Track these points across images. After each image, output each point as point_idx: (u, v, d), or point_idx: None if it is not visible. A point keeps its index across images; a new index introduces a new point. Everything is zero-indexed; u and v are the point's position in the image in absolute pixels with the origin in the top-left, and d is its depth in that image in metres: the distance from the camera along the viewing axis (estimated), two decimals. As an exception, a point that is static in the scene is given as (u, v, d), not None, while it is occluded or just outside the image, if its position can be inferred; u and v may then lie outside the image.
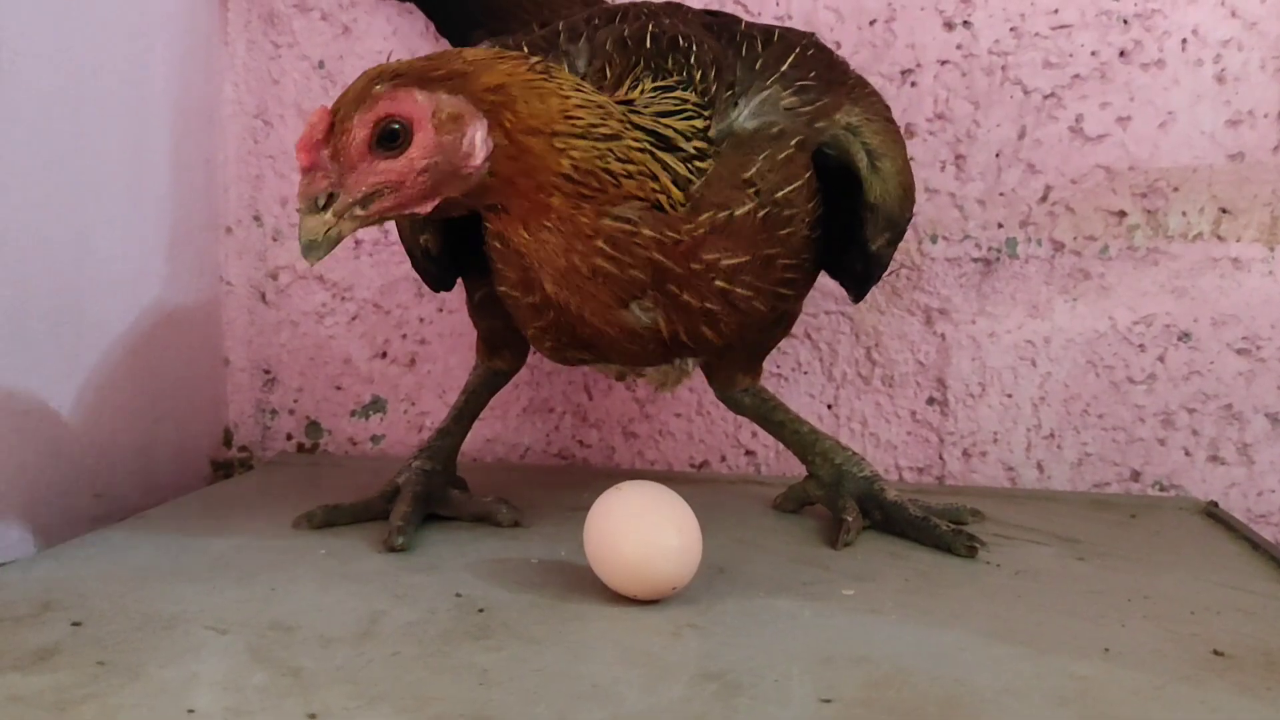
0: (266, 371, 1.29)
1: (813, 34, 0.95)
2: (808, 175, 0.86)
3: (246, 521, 0.96)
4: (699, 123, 0.81)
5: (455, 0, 1.17)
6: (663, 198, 0.77)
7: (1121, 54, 1.15)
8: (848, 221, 0.90)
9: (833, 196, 0.89)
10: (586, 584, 0.78)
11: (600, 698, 0.60)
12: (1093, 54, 1.15)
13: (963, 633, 0.71)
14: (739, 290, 0.84)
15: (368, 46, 1.24)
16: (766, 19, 1.18)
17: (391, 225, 1.25)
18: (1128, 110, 1.15)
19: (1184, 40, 1.14)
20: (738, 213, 0.81)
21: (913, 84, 1.18)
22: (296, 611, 0.73)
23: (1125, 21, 1.14)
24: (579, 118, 0.73)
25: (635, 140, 0.75)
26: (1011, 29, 1.16)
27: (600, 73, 0.85)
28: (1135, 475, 1.18)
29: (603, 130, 0.74)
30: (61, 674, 0.61)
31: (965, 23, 1.17)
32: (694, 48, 0.86)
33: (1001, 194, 1.18)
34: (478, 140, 0.71)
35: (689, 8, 1.00)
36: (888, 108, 0.93)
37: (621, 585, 0.75)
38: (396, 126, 0.70)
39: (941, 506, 0.99)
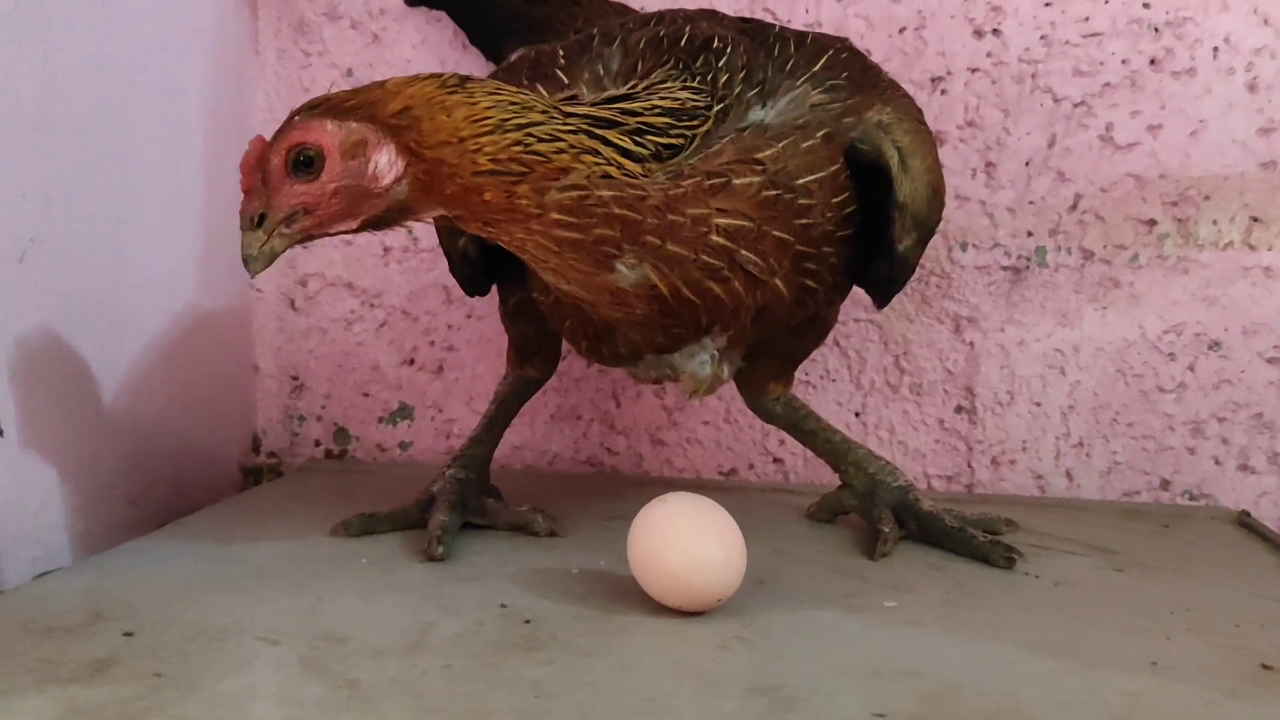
0: (295, 378, 1.29)
1: (846, 39, 0.95)
2: (833, 169, 0.85)
3: (282, 529, 0.96)
4: (690, 108, 0.82)
5: (487, 10, 1.17)
6: (611, 169, 0.77)
7: (1152, 62, 1.15)
8: (878, 224, 0.90)
9: (867, 205, 0.89)
10: (629, 595, 0.78)
11: (654, 711, 0.60)
12: (1123, 62, 1.15)
13: (1007, 646, 0.72)
14: (745, 253, 0.82)
15: (397, 55, 1.24)
16: (796, 25, 1.18)
17: (421, 233, 1.25)
18: (1158, 119, 1.15)
19: (1215, 48, 1.14)
20: (736, 181, 0.81)
21: (943, 91, 1.18)
22: (345, 622, 0.73)
23: (1156, 30, 1.15)
24: (487, 118, 0.75)
25: (565, 124, 0.77)
26: (1041, 37, 1.16)
27: (631, 69, 0.86)
28: (1165, 484, 1.18)
29: (517, 121, 0.75)
30: (120, 686, 0.62)
31: (995, 30, 1.17)
32: (728, 49, 0.86)
33: (1031, 202, 1.18)
34: (383, 164, 0.76)
35: (723, 14, 1.00)
36: (920, 110, 0.94)
37: (666, 597, 0.75)
38: (310, 154, 0.76)
39: (975, 516, 0.99)
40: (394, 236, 1.26)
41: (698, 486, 1.17)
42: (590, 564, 0.87)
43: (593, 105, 0.80)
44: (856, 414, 1.23)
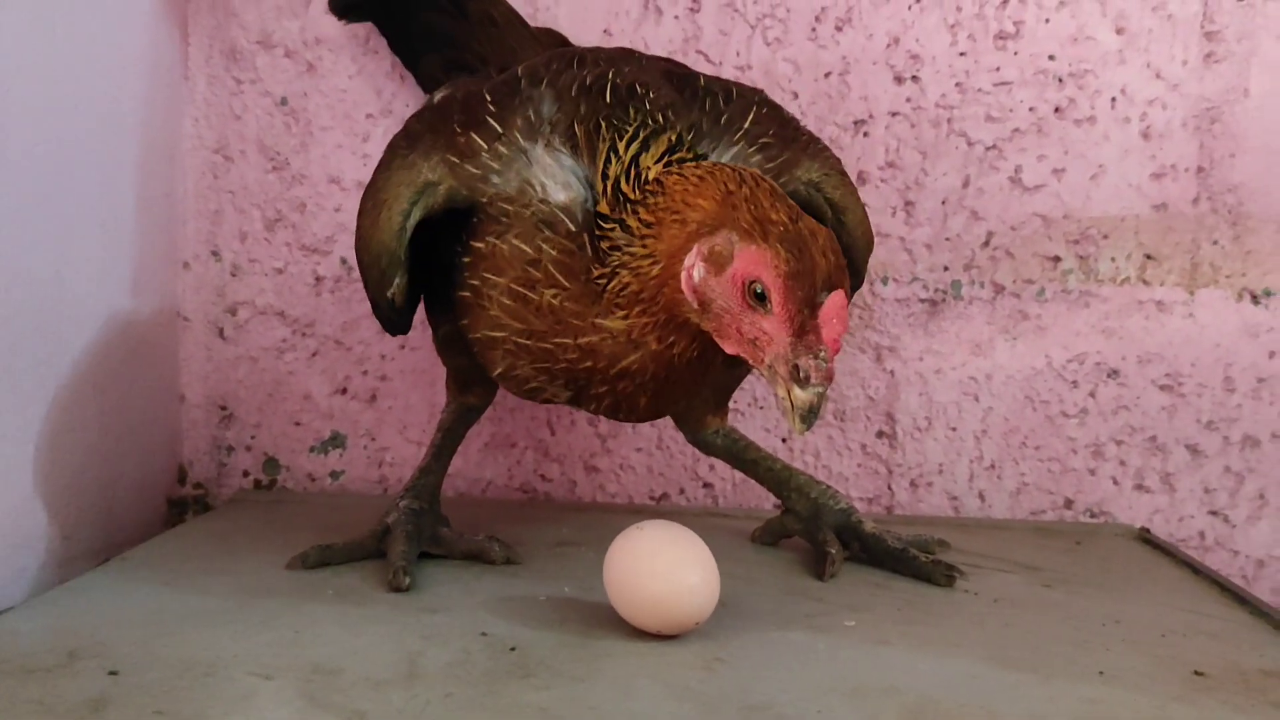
0: (223, 408, 1.28)
1: (760, 90, 1.00)
2: None
3: (230, 562, 0.95)
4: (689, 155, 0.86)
5: (412, 25, 1.18)
6: None
7: (1057, 110, 1.23)
8: None
9: None
10: (602, 620, 0.80)
11: (663, 732, 0.63)
12: (1031, 109, 1.23)
13: (969, 660, 0.76)
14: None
15: (332, 85, 1.24)
16: (728, 69, 1.23)
17: (354, 261, 1.25)
18: (1062, 163, 1.24)
19: (1113, 99, 1.23)
20: None
21: (865, 134, 1.24)
22: (332, 654, 0.73)
23: (1060, 80, 1.23)
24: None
25: None
26: (957, 84, 1.23)
27: (569, 120, 0.87)
28: (1068, 503, 1.26)
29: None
30: (125, 726, 0.61)
31: (914, 77, 1.24)
32: (649, 94, 0.89)
33: (947, 239, 1.25)
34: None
35: (644, 55, 1.03)
36: (839, 160, 0.99)
37: (645, 622, 0.78)
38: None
39: (911, 537, 1.04)
40: (326, 266, 1.26)
41: (631, 512, 1.21)
42: (555, 591, 0.89)
43: None
44: (783, 440, 1.28)
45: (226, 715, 0.63)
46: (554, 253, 0.83)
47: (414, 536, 0.96)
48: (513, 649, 0.75)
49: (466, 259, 0.87)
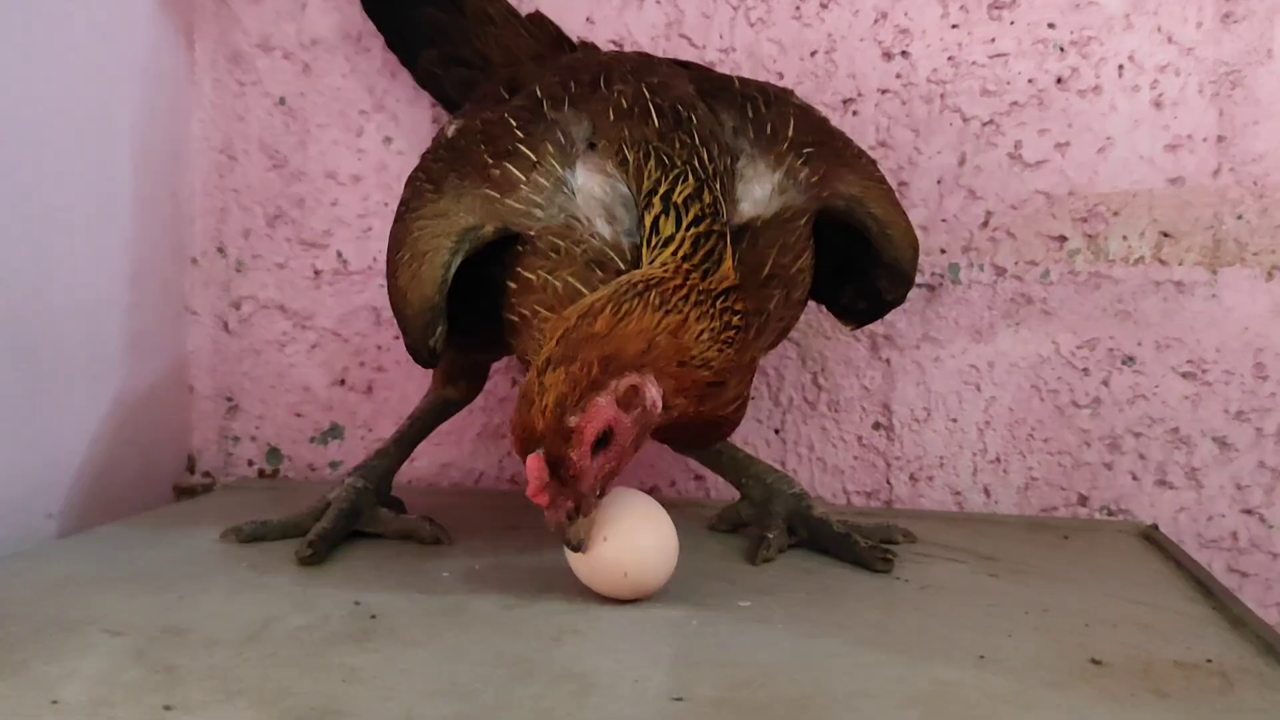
0: (229, 399, 1.32)
1: (789, 89, 0.98)
2: (810, 243, 0.89)
3: (186, 537, 0.98)
4: (719, 233, 0.82)
5: (410, 22, 1.20)
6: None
7: (1059, 81, 1.16)
8: (842, 262, 0.94)
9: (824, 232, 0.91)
10: (491, 593, 0.80)
11: (453, 694, 0.61)
12: (1030, 81, 1.17)
13: (842, 641, 0.72)
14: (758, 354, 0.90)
15: (328, 84, 1.28)
16: (711, 53, 1.21)
17: (351, 256, 1.28)
18: (1066, 136, 1.16)
19: (1120, 66, 1.15)
20: (770, 308, 0.86)
21: (854, 113, 1.20)
22: (195, 617, 0.75)
23: (1061, 49, 1.16)
24: (701, 330, 0.78)
25: (722, 312, 0.80)
26: (949, 58, 1.18)
27: (617, 145, 0.85)
28: (1083, 500, 1.18)
29: (717, 327, 0.79)
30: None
31: (904, 53, 1.19)
32: (693, 118, 0.87)
33: (944, 220, 1.19)
34: (654, 393, 0.78)
35: (662, 60, 1.02)
36: (875, 164, 0.97)
37: (604, 586, 0.79)
38: (606, 433, 0.76)
39: (872, 525, 0.99)
40: (324, 259, 1.29)
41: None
42: (465, 567, 0.88)
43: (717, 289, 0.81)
44: (776, 430, 1.24)
45: (47, 664, 0.65)
46: None
47: (348, 514, 0.97)
48: (373, 617, 0.75)
49: (513, 284, 0.86)
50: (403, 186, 0.97)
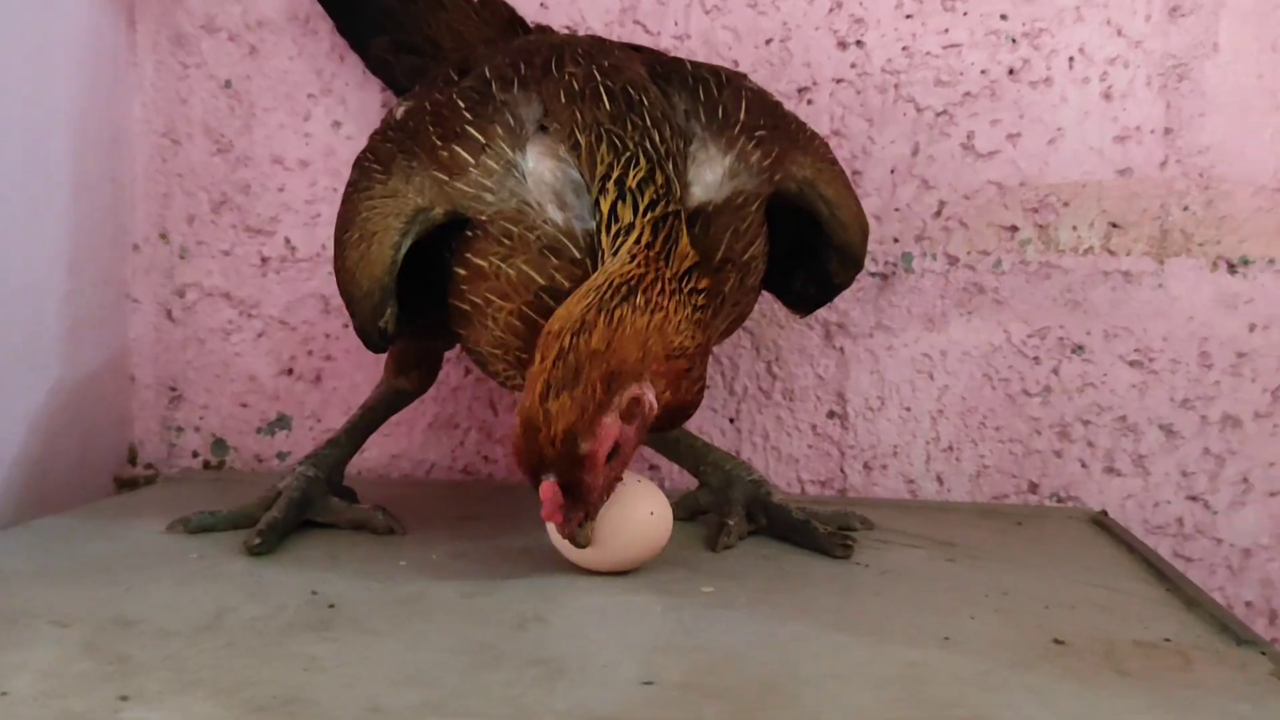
0: (173, 389, 1.29)
1: (743, 73, 0.98)
2: (764, 229, 0.89)
3: (129, 529, 0.95)
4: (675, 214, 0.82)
5: (358, 7, 1.18)
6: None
7: (1010, 72, 1.17)
8: (794, 245, 0.93)
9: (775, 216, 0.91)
10: (449, 582, 0.79)
11: (418, 682, 0.60)
12: (982, 72, 1.17)
13: (807, 625, 0.72)
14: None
15: (274, 66, 1.25)
16: (665, 39, 1.21)
17: (299, 242, 1.26)
18: (1018, 127, 1.17)
19: (1071, 58, 1.16)
20: (725, 290, 0.85)
21: (809, 101, 1.20)
22: (143, 608, 0.72)
23: (1014, 40, 1.17)
24: (681, 322, 0.79)
25: (690, 294, 0.81)
26: (903, 48, 1.18)
27: (570, 128, 0.84)
28: (1033, 487, 1.19)
29: (688, 314, 0.79)
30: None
31: (859, 42, 1.19)
32: (645, 101, 0.86)
33: (897, 209, 1.19)
34: (650, 397, 0.78)
35: (615, 43, 1.00)
36: (828, 146, 0.97)
37: (592, 559, 0.80)
38: (613, 449, 0.77)
39: (830, 513, 0.99)
40: (271, 246, 1.26)
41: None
42: (422, 557, 0.87)
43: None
44: (731, 420, 1.24)
45: (-9, 656, 0.63)
46: (568, 284, 0.81)
47: (298, 504, 0.95)
48: (331, 606, 0.74)
49: (463, 270, 0.84)
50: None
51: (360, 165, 0.94)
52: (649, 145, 0.83)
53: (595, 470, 0.76)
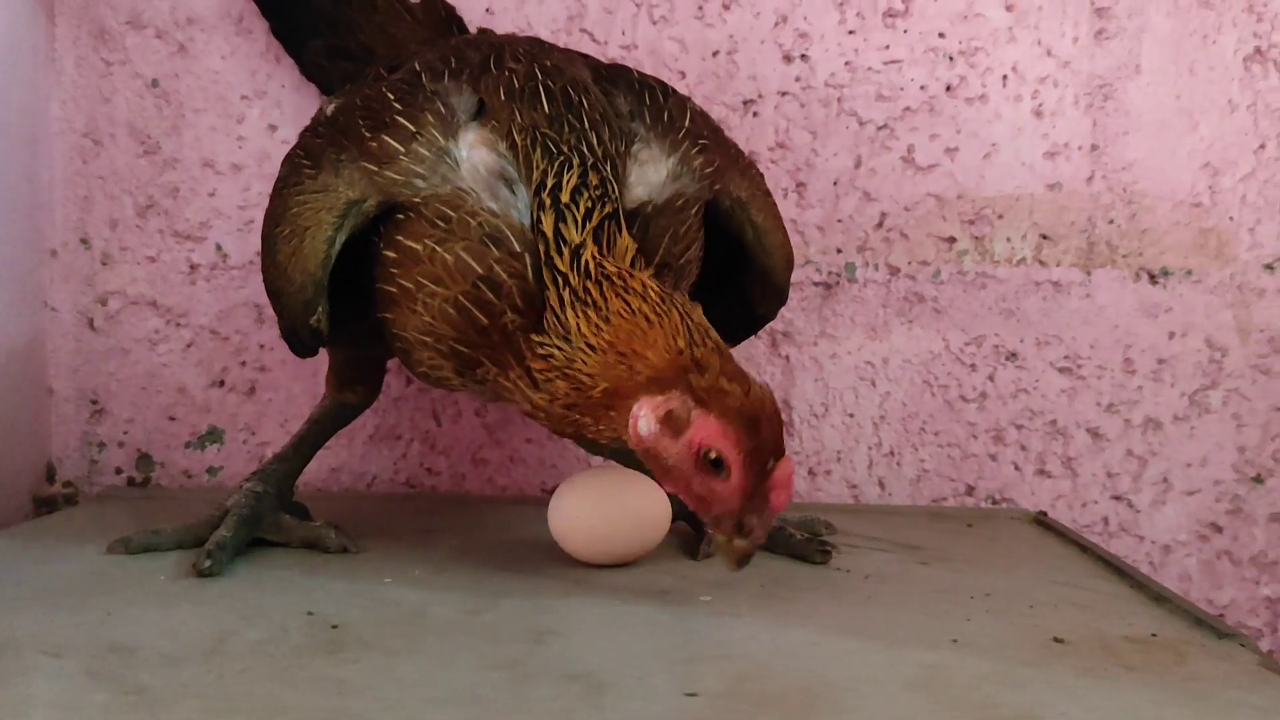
0: (94, 402, 1.23)
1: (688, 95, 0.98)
2: (700, 236, 0.89)
3: (72, 553, 0.90)
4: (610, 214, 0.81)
5: (297, 10, 1.15)
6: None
7: (948, 89, 1.21)
8: (717, 273, 0.93)
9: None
10: (442, 599, 0.77)
11: (461, 701, 0.59)
12: (922, 88, 1.21)
13: (816, 631, 0.73)
14: None
15: (205, 66, 1.21)
16: (613, 49, 1.20)
17: (231, 249, 1.21)
18: (955, 142, 1.21)
19: (1005, 76, 1.21)
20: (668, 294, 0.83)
21: (755, 114, 1.22)
22: (136, 634, 0.69)
23: (951, 58, 1.21)
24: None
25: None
26: (846, 63, 1.21)
27: (507, 126, 0.83)
28: (970, 490, 1.23)
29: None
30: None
31: (803, 56, 1.21)
32: (585, 102, 0.86)
33: (840, 220, 1.22)
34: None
35: (556, 46, 1.00)
36: (763, 177, 0.97)
37: (592, 552, 0.84)
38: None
39: (797, 518, 1.01)
40: (201, 253, 1.22)
41: (521, 504, 1.17)
42: (403, 573, 0.85)
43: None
44: (677, 429, 1.24)
45: (-7, 690, 0.59)
46: (507, 277, 0.79)
47: (247, 521, 0.91)
48: (334, 627, 0.71)
49: (393, 254, 0.82)
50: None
51: (290, 161, 0.91)
52: (585, 148, 0.83)
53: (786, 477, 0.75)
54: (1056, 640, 0.72)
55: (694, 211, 0.88)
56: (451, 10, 1.18)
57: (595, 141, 0.84)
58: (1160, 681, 0.66)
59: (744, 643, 0.70)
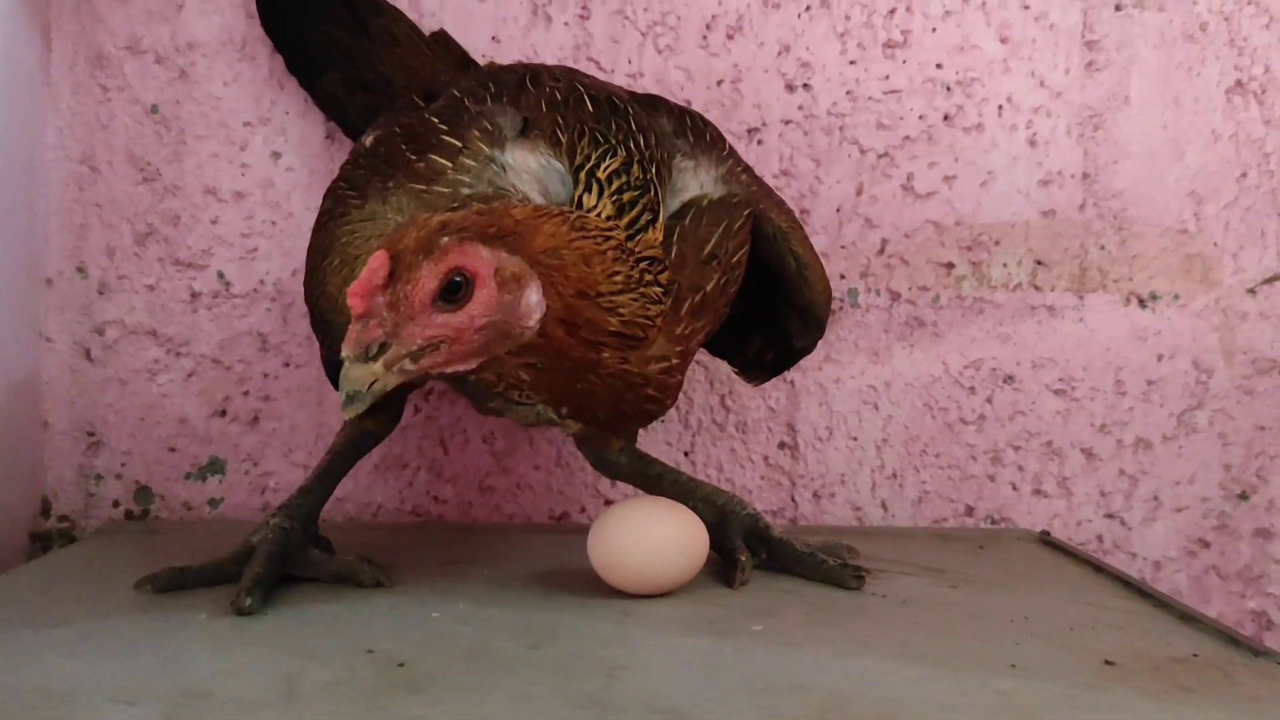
0: (91, 433, 1.20)
1: None
2: (747, 246, 0.90)
3: (91, 592, 0.88)
4: (647, 204, 0.82)
5: (313, 42, 1.14)
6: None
7: (946, 118, 1.24)
8: (751, 308, 0.95)
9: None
10: (495, 633, 0.77)
11: (563, 741, 0.59)
12: (920, 117, 1.24)
13: (877, 658, 0.74)
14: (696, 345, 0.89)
15: (206, 92, 1.19)
16: (619, 77, 1.21)
17: (234, 277, 1.20)
18: (953, 170, 1.24)
19: (1000, 106, 1.24)
20: (708, 288, 0.85)
21: (759, 142, 1.23)
22: (201, 678, 0.68)
23: (948, 88, 1.24)
24: (617, 271, 0.75)
25: (643, 273, 0.78)
26: (847, 92, 1.23)
27: (552, 129, 0.84)
28: (969, 510, 1.26)
29: (635, 278, 0.76)
30: (-36, 759, 0.55)
31: (806, 85, 1.23)
32: (629, 109, 0.87)
33: (843, 246, 1.24)
34: (533, 301, 0.73)
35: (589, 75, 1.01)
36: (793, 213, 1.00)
37: (637, 583, 0.85)
38: (460, 279, 0.70)
39: (819, 543, 1.02)
40: (203, 281, 1.20)
41: (529, 531, 1.16)
42: (448, 606, 0.84)
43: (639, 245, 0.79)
44: (685, 453, 1.25)
45: (78, 743, 0.57)
46: None
47: (277, 557, 0.90)
48: (401, 665, 0.70)
49: None
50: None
51: (333, 193, 0.92)
52: (631, 144, 0.84)
53: (435, 272, 0.70)
54: (1108, 663, 0.74)
55: (746, 213, 0.89)
56: (464, 51, 1.18)
57: (642, 143, 0.85)
58: (1219, 703, 0.67)
59: (813, 673, 0.70)
